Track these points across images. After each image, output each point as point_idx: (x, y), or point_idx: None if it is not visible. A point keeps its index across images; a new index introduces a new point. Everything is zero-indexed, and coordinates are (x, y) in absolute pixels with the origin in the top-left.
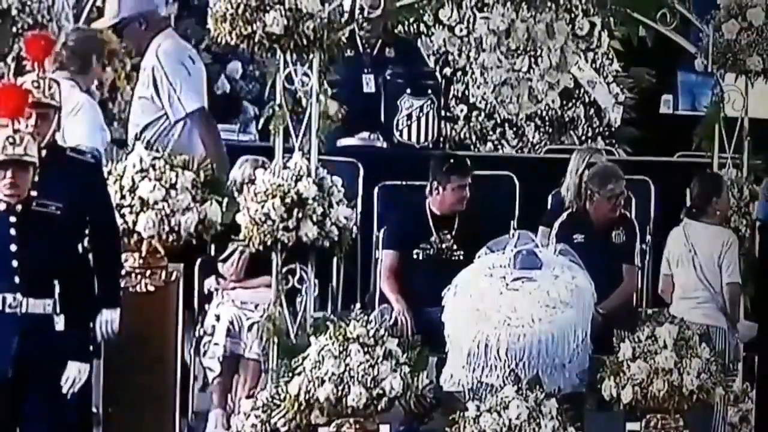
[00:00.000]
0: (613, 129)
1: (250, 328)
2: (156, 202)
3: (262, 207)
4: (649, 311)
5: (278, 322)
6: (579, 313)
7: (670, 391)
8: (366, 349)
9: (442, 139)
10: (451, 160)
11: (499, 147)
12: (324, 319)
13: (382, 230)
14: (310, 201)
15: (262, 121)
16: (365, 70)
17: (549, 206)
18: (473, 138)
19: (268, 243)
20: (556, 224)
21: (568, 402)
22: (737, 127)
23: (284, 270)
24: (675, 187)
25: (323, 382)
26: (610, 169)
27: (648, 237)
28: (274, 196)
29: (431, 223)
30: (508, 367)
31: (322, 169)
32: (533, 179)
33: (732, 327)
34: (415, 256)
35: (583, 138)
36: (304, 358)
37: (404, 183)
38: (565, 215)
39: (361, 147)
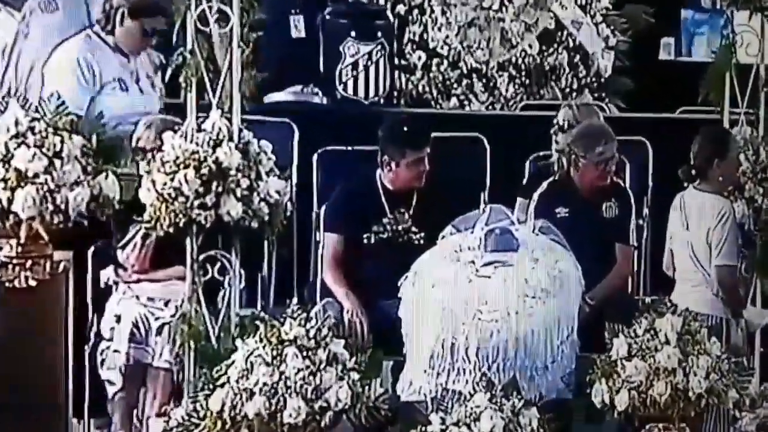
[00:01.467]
0: (603, 79)
1: (159, 331)
2: (37, 175)
3: (172, 180)
4: (648, 300)
5: (195, 323)
6: (563, 304)
7: (673, 396)
8: (305, 354)
9: (395, 93)
10: (405, 129)
11: (466, 103)
12: (252, 318)
13: (324, 208)
14: (233, 172)
15: (169, 71)
16: (293, 11)
17: (527, 175)
18: (434, 92)
19: (181, 224)
20: (535, 195)
21: (551, 411)
22: (751, 75)
23: (201, 258)
24: (677, 150)
25: (253, 394)
26: (597, 127)
27: (645, 210)
28: (186, 166)
29: (384, 199)
30: (479, 370)
31: (247, 131)
32: (508, 142)
33: (735, 316)
34: (365, 240)
35: (567, 91)
36: (228, 367)
37: (350, 148)
38: (545, 184)
39: (296, 104)
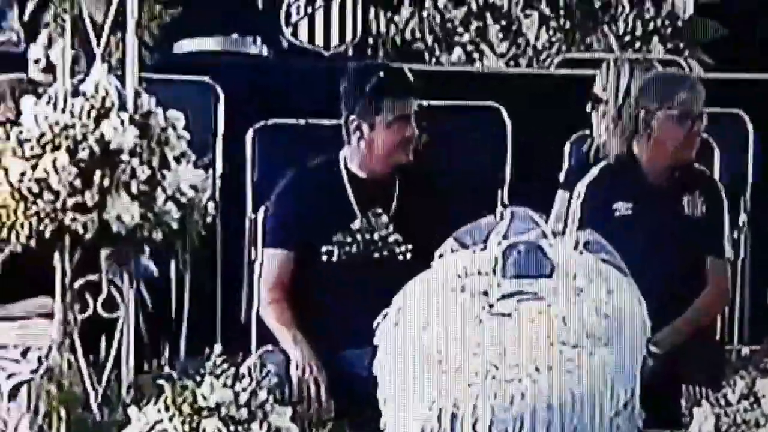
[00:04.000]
0: (680, 23)
1: (13, 394)
2: None
3: (34, 168)
4: (746, 350)
5: (68, 382)
6: (620, 357)
7: None
8: (234, 428)
9: (370, 41)
10: (381, 74)
11: (476, 57)
12: (155, 375)
13: (262, 210)
14: (126, 156)
15: (29, 6)
16: None
17: (567, 163)
18: (429, 40)
19: (47, 234)
20: (581, 186)
21: None
22: None
23: (78, 285)
24: None
25: None
26: (675, 75)
27: (742, 217)
28: (56, 148)
29: (352, 194)
30: None
31: (148, 96)
32: (537, 115)
33: None
34: (324, 257)
35: (626, 40)
36: None
37: (303, 122)
38: (596, 170)
39: (222, 56)
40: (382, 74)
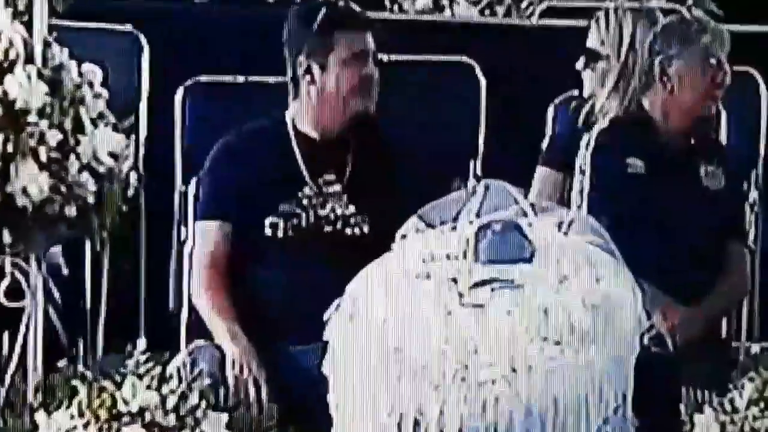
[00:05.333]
0: None
1: None
2: None
3: None
4: (756, 348)
5: None
6: (609, 355)
7: None
8: None
9: None
10: (330, 7)
11: (446, 3)
12: (68, 375)
13: (194, 182)
14: (33, 118)
15: None
16: None
17: (551, 128)
18: None
19: None
20: (588, 139)
21: None
22: None
23: None
24: None
25: None
26: (697, 17)
27: (753, 193)
28: None
29: (300, 156)
30: None
31: (59, 47)
32: (517, 73)
33: None
34: (267, 231)
35: None
36: None
37: (241, 79)
38: (606, 121)
39: (146, 1)
40: (331, 7)
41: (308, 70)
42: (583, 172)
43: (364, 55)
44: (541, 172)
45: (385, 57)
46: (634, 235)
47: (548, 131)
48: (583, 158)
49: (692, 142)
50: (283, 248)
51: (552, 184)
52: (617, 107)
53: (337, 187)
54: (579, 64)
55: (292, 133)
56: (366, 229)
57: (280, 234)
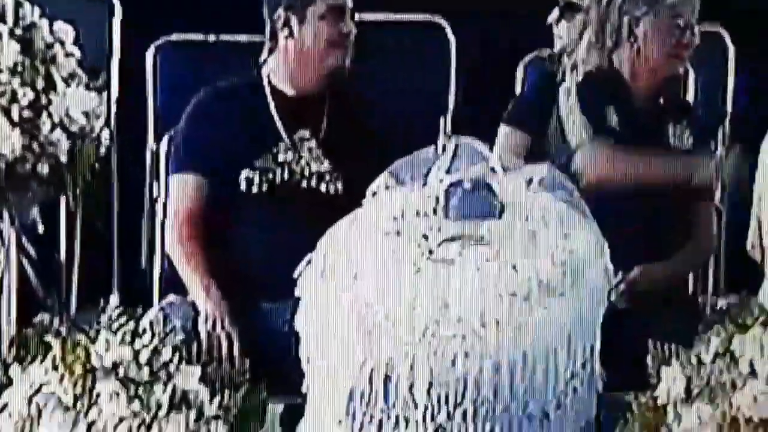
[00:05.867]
0: None
1: None
2: None
3: None
4: (722, 303)
5: None
6: (578, 310)
7: None
8: (133, 391)
9: None
10: None
11: None
12: (41, 329)
13: (166, 140)
14: (5, 77)
15: None
16: None
17: (522, 86)
18: None
19: None
20: (568, 88)
21: None
22: None
23: None
24: None
25: None
26: None
27: (718, 151)
28: None
29: (276, 116)
30: (433, 420)
31: (31, 6)
32: (486, 30)
33: None
34: (243, 185)
35: None
36: None
37: (213, 38)
38: (582, 73)
39: None
40: None
41: (286, 23)
42: (563, 121)
43: (342, 11)
44: (504, 131)
45: (356, 16)
46: (604, 193)
47: (518, 89)
48: (566, 105)
49: (660, 102)
50: (257, 204)
51: (515, 143)
52: (595, 62)
53: (312, 144)
54: (552, 17)
55: (267, 89)
56: (340, 185)
57: (254, 189)
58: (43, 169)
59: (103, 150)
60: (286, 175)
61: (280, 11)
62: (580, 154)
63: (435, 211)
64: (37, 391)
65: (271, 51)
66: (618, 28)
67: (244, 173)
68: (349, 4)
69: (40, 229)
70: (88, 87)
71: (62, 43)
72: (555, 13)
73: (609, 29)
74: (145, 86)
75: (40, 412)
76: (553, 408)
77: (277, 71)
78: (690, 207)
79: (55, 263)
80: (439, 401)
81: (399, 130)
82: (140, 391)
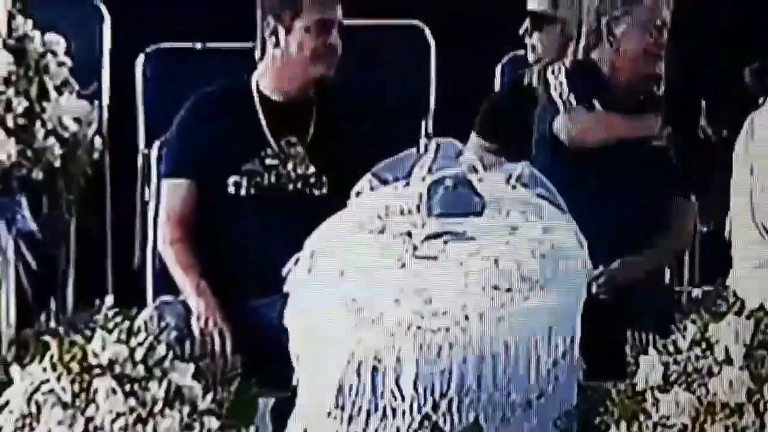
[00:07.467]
0: None
1: None
2: None
3: None
4: (697, 292)
5: None
6: (557, 301)
7: None
8: (129, 388)
9: None
10: None
11: None
12: (39, 330)
13: (158, 143)
14: None
15: None
16: None
17: (498, 87)
18: None
19: None
20: (554, 75)
21: None
22: None
23: None
24: (746, 35)
25: None
26: None
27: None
28: None
29: (264, 122)
30: (419, 411)
31: (24, 18)
32: (465, 34)
33: None
34: (231, 189)
35: None
36: None
37: (200, 45)
38: (567, 62)
39: None
40: None
41: (274, 31)
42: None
43: (330, 24)
44: (473, 139)
45: (348, 20)
46: (584, 189)
47: (495, 90)
48: (558, 87)
49: (639, 98)
50: (246, 207)
51: (484, 151)
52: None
53: (299, 148)
54: (523, 28)
55: (256, 95)
56: (325, 188)
57: (242, 192)
58: (37, 175)
59: (95, 155)
60: (273, 179)
61: (270, 19)
62: (564, 114)
63: (418, 209)
64: (36, 389)
65: (261, 57)
66: (596, 30)
67: (233, 177)
68: (339, 17)
69: (38, 236)
70: (79, 95)
71: (54, 53)
72: (525, 24)
73: (583, 35)
74: (135, 93)
75: (39, 409)
76: (536, 396)
77: (265, 77)
78: (667, 201)
79: (51, 267)
80: (425, 392)
81: (381, 132)
82: (136, 388)
